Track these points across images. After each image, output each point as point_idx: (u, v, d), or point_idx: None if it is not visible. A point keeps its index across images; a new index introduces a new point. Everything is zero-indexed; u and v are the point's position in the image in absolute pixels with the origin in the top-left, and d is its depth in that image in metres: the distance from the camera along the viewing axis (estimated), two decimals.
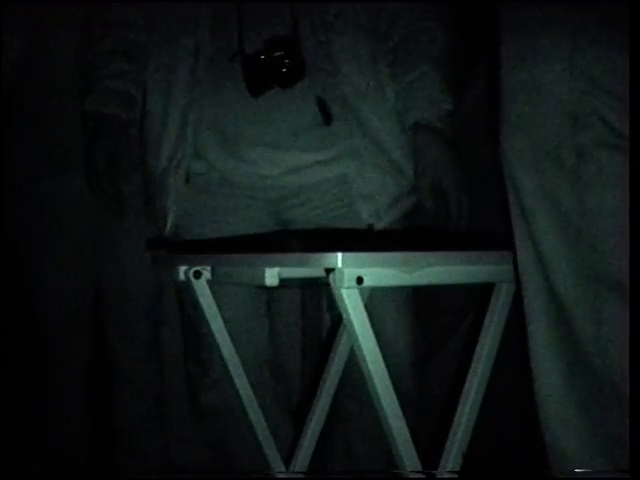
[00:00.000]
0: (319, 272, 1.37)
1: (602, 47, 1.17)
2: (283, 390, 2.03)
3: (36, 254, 2.30)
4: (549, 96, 1.21)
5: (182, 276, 1.67)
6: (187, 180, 1.88)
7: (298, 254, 1.38)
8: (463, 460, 1.53)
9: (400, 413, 1.38)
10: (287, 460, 1.78)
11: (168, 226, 1.89)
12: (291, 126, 1.85)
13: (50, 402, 2.35)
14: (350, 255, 1.32)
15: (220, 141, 1.87)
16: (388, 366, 1.37)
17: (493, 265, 1.47)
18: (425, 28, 1.90)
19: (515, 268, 1.32)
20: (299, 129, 1.85)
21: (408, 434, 1.39)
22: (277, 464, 1.77)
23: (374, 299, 1.69)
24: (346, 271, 1.31)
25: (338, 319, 1.63)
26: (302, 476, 1.76)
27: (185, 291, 1.81)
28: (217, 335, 1.71)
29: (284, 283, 1.45)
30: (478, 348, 1.54)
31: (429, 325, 2.38)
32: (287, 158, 1.86)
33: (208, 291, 1.68)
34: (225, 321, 1.74)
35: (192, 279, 1.65)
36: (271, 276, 1.43)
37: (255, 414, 1.74)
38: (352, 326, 1.35)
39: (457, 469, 1.52)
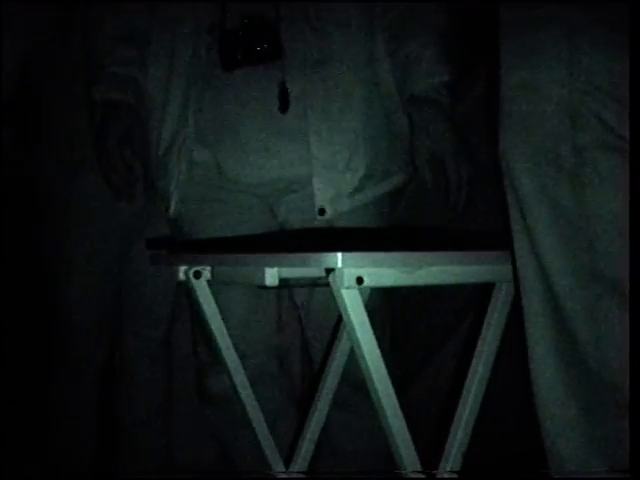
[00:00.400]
0: (319, 272, 1.37)
1: (601, 48, 1.17)
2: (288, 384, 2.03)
3: (60, 253, 2.30)
4: (548, 96, 1.21)
5: (182, 276, 1.67)
6: (189, 167, 1.89)
7: (298, 254, 1.38)
8: (463, 460, 1.53)
9: (400, 413, 1.38)
10: (287, 460, 1.78)
11: (172, 209, 1.90)
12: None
13: (61, 402, 2.35)
14: (350, 255, 1.32)
15: (219, 127, 1.88)
16: None
17: (493, 265, 1.47)
18: (422, 5, 1.90)
19: (513, 268, 1.32)
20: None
21: (408, 434, 1.39)
22: (277, 464, 1.77)
23: None
24: (346, 271, 1.31)
25: (338, 319, 1.64)
26: (302, 476, 1.76)
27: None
28: (217, 335, 1.71)
29: (284, 283, 1.45)
30: (478, 348, 1.54)
31: (429, 325, 2.39)
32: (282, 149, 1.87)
33: (208, 291, 1.68)
34: (232, 311, 1.76)
35: (192, 279, 1.65)
36: (271, 276, 1.43)
37: (256, 415, 1.74)
38: (352, 326, 1.35)
39: (457, 469, 1.53)
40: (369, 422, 1.72)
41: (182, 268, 1.67)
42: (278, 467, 1.77)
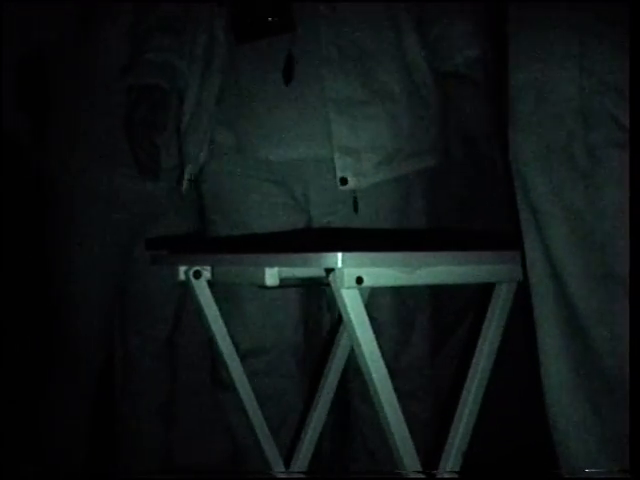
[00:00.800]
0: (319, 272, 1.37)
1: (612, 46, 1.16)
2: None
3: (63, 252, 2.30)
4: (559, 95, 1.20)
5: (182, 276, 1.67)
6: (210, 147, 1.92)
7: (298, 254, 1.38)
8: (463, 460, 1.53)
9: (400, 413, 1.38)
10: (287, 460, 1.78)
11: (184, 186, 1.95)
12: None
13: (57, 402, 2.35)
14: (350, 255, 1.31)
15: (237, 106, 1.89)
16: None
17: (493, 265, 1.47)
18: None
19: (523, 268, 1.31)
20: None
21: (408, 434, 1.39)
22: (277, 464, 1.77)
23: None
24: (346, 271, 1.31)
25: (338, 319, 1.64)
26: (302, 476, 1.76)
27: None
28: (217, 335, 1.71)
29: (284, 283, 1.45)
30: (478, 348, 1.53)
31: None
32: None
33: (208, 291, 1.68)
34: (245, 308, 1.79)
35: (192, 279, 1.65)
36: (271, 276, 1.43)
37: (256, 416, 1.74)
38: (352, 326, 1.35)
39: (457, 469, 1.52)
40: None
41: (182, 268, 1.67)
42: (278, 467, 1.77)
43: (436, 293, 2.00)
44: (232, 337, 1.74)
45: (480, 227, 2.06)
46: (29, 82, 2.31)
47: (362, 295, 1.37)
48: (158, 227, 2.28)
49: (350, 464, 2.03)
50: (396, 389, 1.38)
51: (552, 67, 1.20)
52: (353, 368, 1.79)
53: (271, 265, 1.43)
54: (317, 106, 1.83)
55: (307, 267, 1.40)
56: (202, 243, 1.93)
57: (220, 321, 1.71)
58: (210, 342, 1.95)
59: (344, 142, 1.81)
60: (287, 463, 1.77)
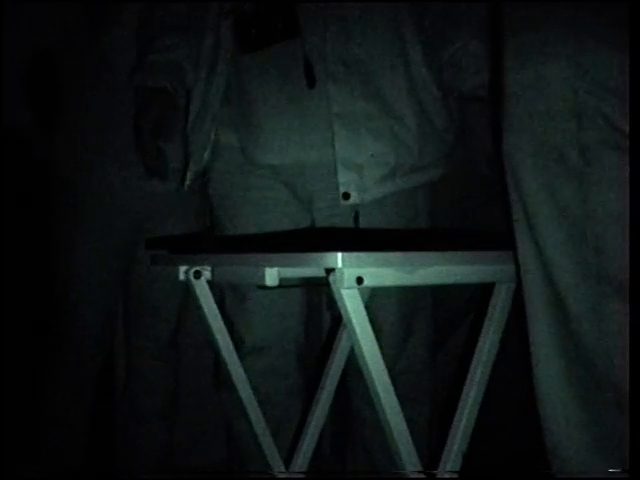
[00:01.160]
0: (319, 272, 1.37)
1: (606, 46, 1.16)
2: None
3: (66, 252, 2.30)
4: (553, 95, 1.20)
5: (182, 276, 1.67)
6: (214, 150, 1.93)
7: (298, 254, 1.38)
8: (463, 460, 1.53)
9: (400, 413, 1.38)
10: (287, 460, 1.78)
11: (186, 184, 1.97)
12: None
13: (57, 402, 2.35)
14: (350, 255, 1.31)
15: (242, 110, 1.90)
16: None
17: (493, 265, 1.47)
18: (461, 3, 1.89)
19: (516, 268, 1.31)
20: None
21: (408, 434, 1.39)
22: (277, 464, 1.77)
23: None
24: (346, 271, 1.31)
25: (338, 319, 1.63)
26: (302, 476, 1.76)
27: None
28: (217, 335, 1.71)
29: (284, 283, 1.45)
30: (478, 348, 1.53)
31: None
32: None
33: (208, 291, 1.68)
34: (247, 306, 1.80)
35: (192, 279, 1.65)
36: (271, 276, 1.43)
37: (256, 416, 1.73)
38: (352, 326, 1.35)
39: (457, 469, 1.52)
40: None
41: (182, 268, 1.67)
42: (278, 467, 1.77)
43: (436, 293, 2.00)
44: (235, 335, 1.74)
45: (480, 227, 2.07)
46: (38, 81, 2.32)
47: (362, 295, 1.37)
48: (164, 226, 2.28)
49: (350, 464, 2.03)
50: (396, 390, 1.38)
51: (546, 67, 1.20)
52: (353, 368, 1.79)
53: (271, 265, 1.43)
54: (321, 116, 1.83)
55: (307, 267, 1.40)
56: (202, 243, 1.93)
57: (220, 321, 1.71)
58: (210, 342, 1.96)
59: (347, 156, 1.82)
60: (287, 463, 1.78)
